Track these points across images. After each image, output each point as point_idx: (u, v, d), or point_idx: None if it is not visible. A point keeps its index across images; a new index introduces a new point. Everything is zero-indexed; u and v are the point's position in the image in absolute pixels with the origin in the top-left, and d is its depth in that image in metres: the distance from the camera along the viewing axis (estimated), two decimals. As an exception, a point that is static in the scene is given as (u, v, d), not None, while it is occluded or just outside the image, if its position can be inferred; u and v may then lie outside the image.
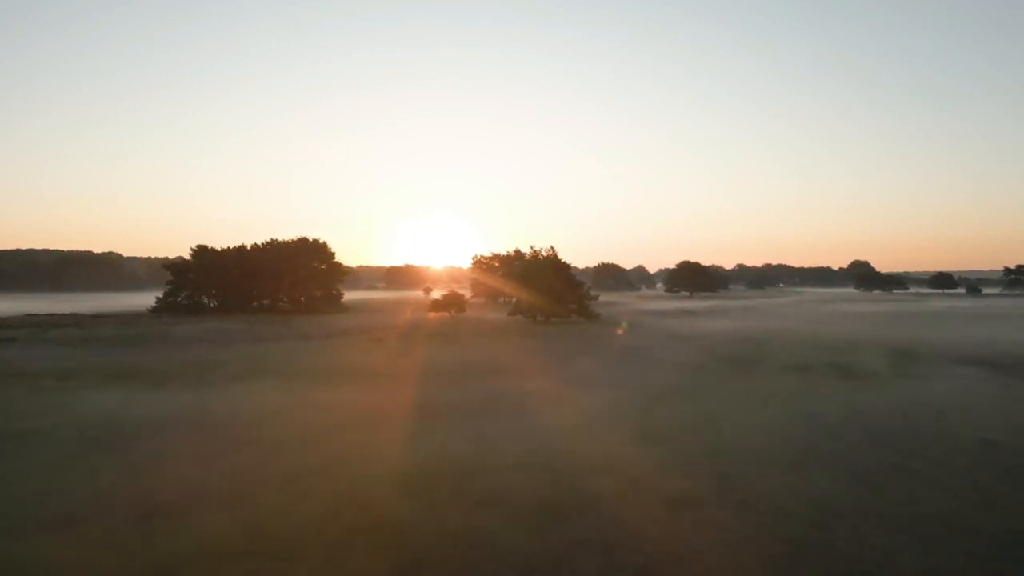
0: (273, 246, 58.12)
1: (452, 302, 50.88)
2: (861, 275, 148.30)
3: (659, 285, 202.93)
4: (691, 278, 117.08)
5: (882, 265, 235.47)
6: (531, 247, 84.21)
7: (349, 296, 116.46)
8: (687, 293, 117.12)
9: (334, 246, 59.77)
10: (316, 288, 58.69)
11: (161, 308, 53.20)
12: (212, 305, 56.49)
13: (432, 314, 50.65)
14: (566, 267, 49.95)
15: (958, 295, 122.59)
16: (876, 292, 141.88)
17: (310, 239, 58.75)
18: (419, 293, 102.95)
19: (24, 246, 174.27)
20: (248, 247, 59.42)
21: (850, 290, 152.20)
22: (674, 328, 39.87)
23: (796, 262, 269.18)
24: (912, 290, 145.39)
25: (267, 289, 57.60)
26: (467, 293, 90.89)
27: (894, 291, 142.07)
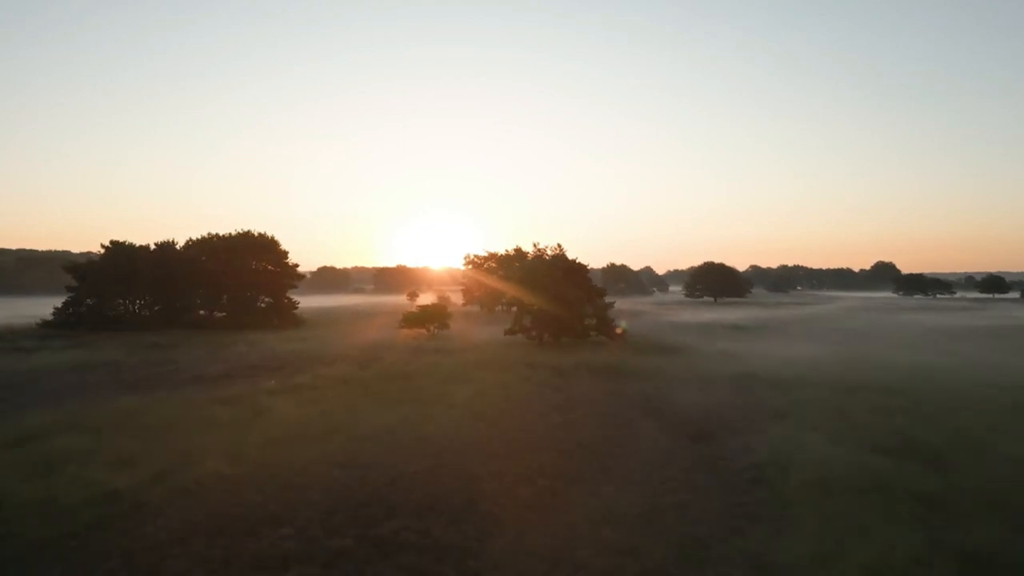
0: (206, 243, 47.00)
1: (432, 315, 39.80)
2: (902, 278, 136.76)
3: (672, 288, 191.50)
4: (715, 281, 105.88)
5: (903, 266, 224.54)
6: (534, 245, 73.56)
7: (328, 302, 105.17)
8: (711, 298, 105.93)
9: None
10: (264, 293, 47.59)
11: (56, 322, 42.17)
12: (136, 316, 45.42)
13: (405, 331, 39.58)
14: (582, 269, 38.82)
15: (1015, 300, 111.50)
16: (918, 297, 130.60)
17: (256, 233, 47.63)
18: (404, 298, 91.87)
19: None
20: (179, 244, 48.31)
21: (887, 294, 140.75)
22: (743, 358, 28.69)
23: (812, 263, 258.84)
24: (958, 294, 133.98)
25: (202, 296, 46.53)
26: (460, 298, 79.91)
27: (937, 296, 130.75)
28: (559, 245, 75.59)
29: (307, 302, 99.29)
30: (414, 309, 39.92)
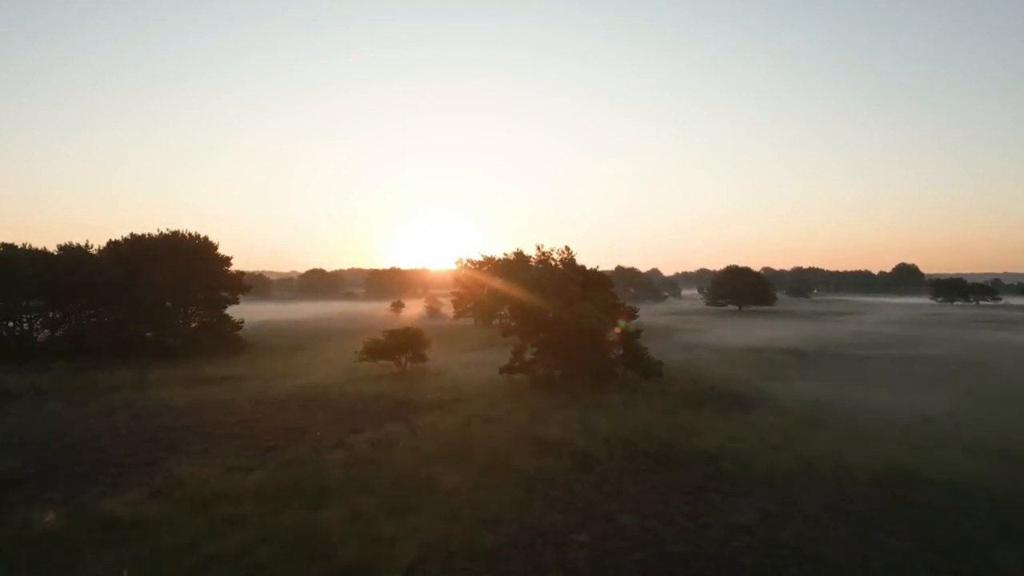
0: (121, 247, 37.69)
1: (402, 343, 30.58)
2: (941, 284, 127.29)
3: (685, 292, 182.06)
4: (739, 287, 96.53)
5: (919, 267, 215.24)
6: (538, 248, 64.21)
7: (307, 311, 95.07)
8: (735, 306, 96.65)
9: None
10: (196, 310, 38.41)
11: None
12: (25, 342, 36.38)
13: (368, 364, 30.37)
14: (606, 283, 29.75)
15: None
16: (959, 303, 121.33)
17: (186, 233, 38.41)
18: (395, 305, 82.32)
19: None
20: (92, 248, 39.11)
21: (922, 300, 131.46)
22: (855, 422, 19.42)
23: (823, 264, 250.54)
24: (1003, 300, 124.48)
25: (119, 316, 37.40)
26: (451, 307, 70.55)
27: (980, 303, 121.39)
28: (567, 248, 66.10)
29: (285, 311, 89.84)
30: (380, 338, 30.58)
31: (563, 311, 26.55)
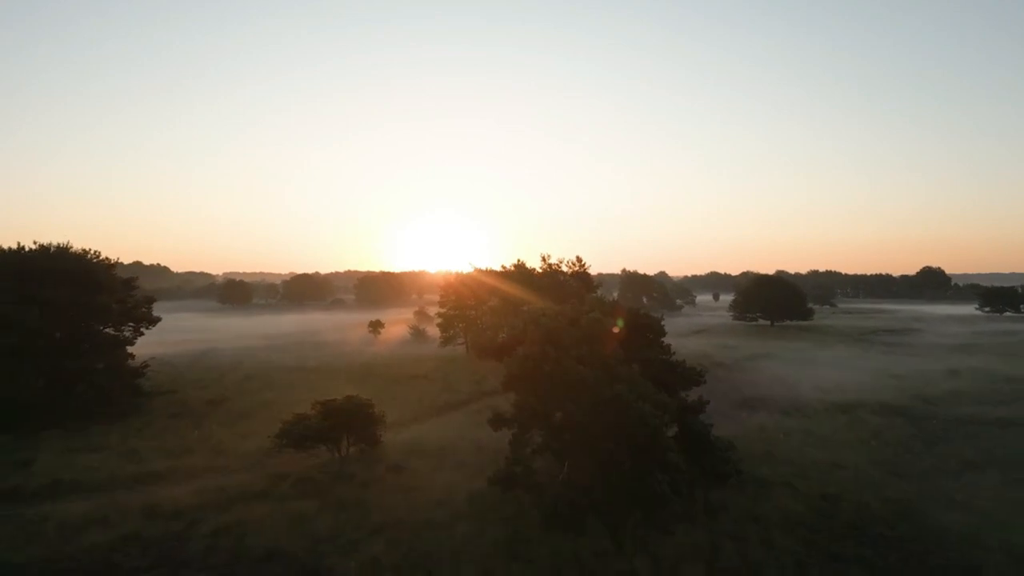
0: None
1: (346, 417, 20.49)
2: (989, 292, 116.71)
3: (700, 299, 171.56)
4: (771, 299, 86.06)
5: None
6: (543, 259, 54.32)
7: (279, 325, 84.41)
8: (767, 321, 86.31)
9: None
10: (68, 350, 28.16)
11: None
12: None
13: (292, 453, 20.26)
14: (655, 329, 19.77)
15: None
16: (1009, 314, 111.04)
17: (60, 246, 28.20)
18: (373, 326, 71.75)
19: None
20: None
21: (970, 310, 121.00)
22: None
23: (842, 267, 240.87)
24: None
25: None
26: (446, 325, 60.25)
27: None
28: (579, 259, 55.98)
29: (249, 328, 78.49)
30: (312, 413, 20.49)
31: (598, 386, 16.48)
